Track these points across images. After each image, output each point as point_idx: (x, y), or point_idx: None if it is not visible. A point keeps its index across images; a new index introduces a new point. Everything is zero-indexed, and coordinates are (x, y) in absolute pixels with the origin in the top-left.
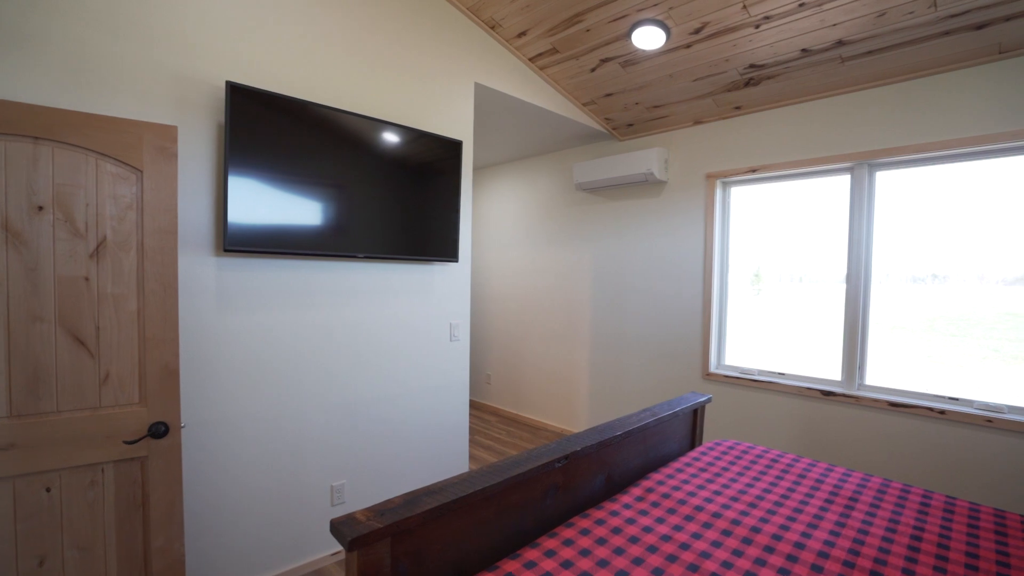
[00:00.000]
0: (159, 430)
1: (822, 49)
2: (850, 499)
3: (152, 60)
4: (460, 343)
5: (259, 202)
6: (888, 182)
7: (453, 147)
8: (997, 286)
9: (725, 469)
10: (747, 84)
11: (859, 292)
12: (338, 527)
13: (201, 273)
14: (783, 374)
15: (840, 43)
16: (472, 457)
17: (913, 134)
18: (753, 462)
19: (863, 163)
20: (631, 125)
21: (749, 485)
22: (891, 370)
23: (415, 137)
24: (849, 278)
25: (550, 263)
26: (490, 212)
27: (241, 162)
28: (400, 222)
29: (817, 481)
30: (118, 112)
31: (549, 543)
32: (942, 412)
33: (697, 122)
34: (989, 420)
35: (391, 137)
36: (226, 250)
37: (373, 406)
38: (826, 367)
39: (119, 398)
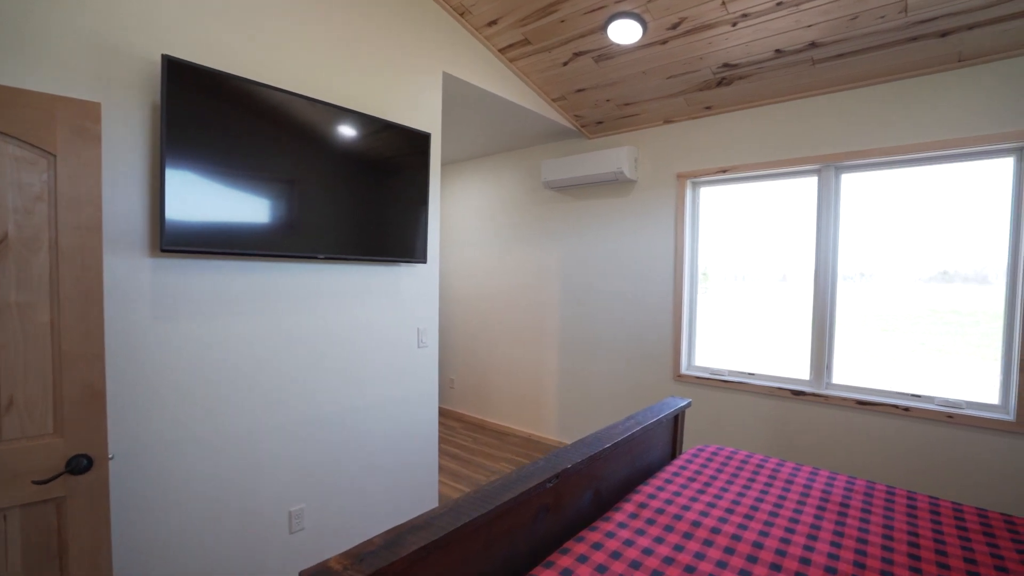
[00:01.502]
0: (80, 464)
1: (795, 50)
2: (841, 505)
3: (70, 24)
4: (428, 350)
5: (203, 195)
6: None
7: (421, 140)
8: (916, 283)
9: (713, 478)
10: (719, 84)
11: (826, 292)
12: None
13: (133, 277)
14: (753, 374)
15: (813, 45)
16: (439, 468)
17: (877, 138)
18: (740, 468)
19: (830, 165)
20: (601, 123)
21: (740, 494)
22: (846, 366)
23: (380, 128)
24: (816, 278)
25: (517, 263)
26: (455, 210)
27: (181, 148)
28: (364, 220)
29: (805, 487)
30: (24, 84)
31: (545, 575)
32: (907, 409)
33: (667, 121)
34: (950, 416)
35: (354, 127)
36: (163, 250)
37: (335, 420)
38: (793, 366)
39: (27, 428)
